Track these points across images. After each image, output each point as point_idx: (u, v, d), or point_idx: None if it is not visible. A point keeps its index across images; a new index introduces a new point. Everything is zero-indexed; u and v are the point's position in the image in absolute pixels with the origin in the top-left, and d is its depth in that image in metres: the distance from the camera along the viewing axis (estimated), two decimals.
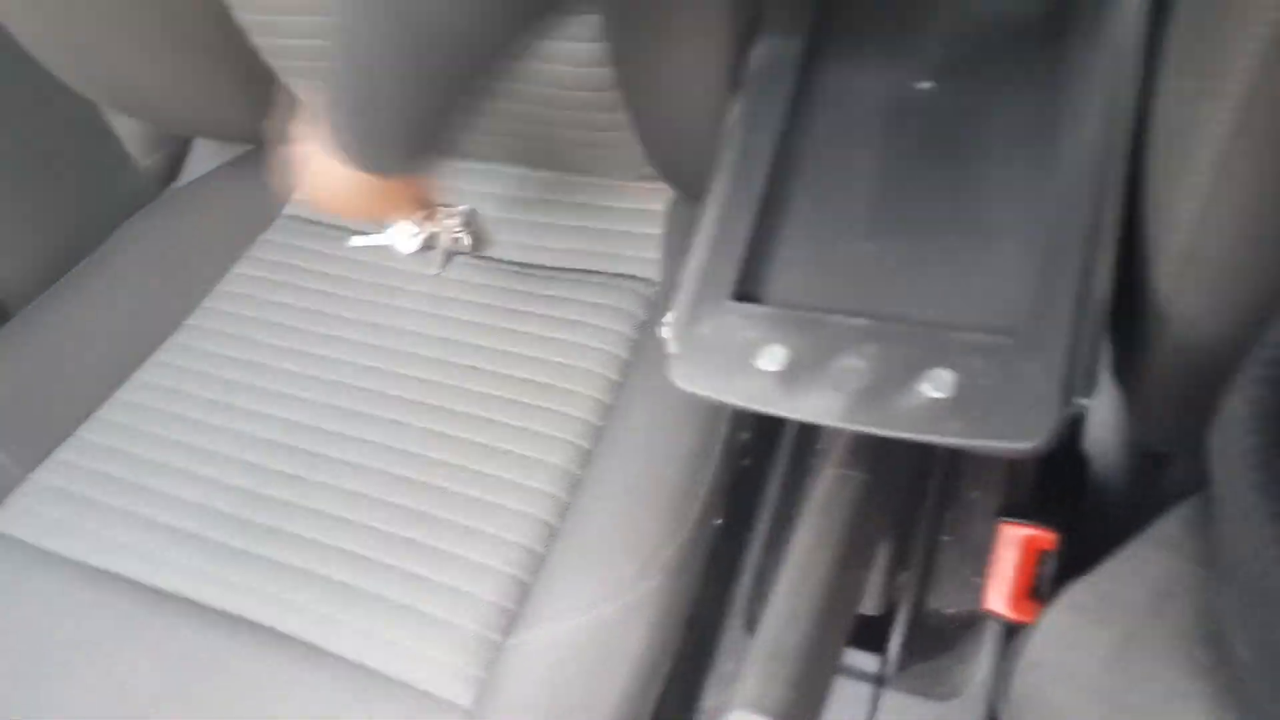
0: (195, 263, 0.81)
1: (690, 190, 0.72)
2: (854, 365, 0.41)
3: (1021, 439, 0.37)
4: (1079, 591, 0.44)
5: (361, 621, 0.59)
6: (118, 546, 0.63)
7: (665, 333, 0.45)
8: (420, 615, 0.58)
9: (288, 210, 0.85)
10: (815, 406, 0.40)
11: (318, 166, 0.55)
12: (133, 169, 0.89)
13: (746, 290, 0.45)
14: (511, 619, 0.58)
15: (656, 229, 0.75)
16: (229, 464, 0.67)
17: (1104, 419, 0.58)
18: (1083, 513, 0.63)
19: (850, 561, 0.45)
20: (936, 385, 0.39)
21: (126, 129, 0.88)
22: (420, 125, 0.47)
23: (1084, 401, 0.38)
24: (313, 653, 0.57)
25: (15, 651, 0.59)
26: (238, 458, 0.67)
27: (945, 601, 0.63)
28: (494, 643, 0.57)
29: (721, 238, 0.46)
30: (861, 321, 0.42)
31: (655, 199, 0.76)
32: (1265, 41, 0.30)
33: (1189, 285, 0.39)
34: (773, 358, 0.42)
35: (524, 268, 0.76)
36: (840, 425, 0.40)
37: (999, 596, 0.52)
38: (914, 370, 0.40)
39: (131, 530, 0.64)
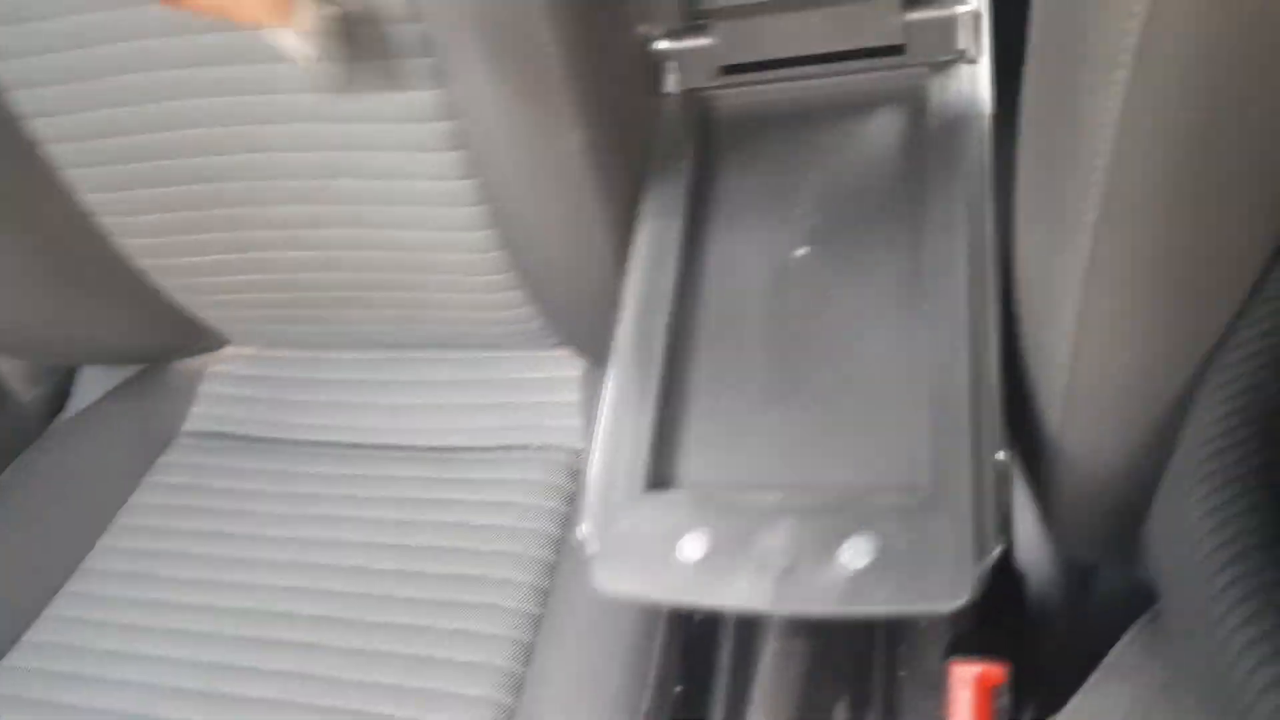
0: (88, 498, 0.76)
1: (601, 357, 0.72)
2: (774, 544, 0.41)
3: (944, 600, 0.37)
4: None
5: None
6: None
7: (582, 534, 0.44)
8: None
9: (187, 427, 0.81)
10: (741, 593, 0.41)
11: None
12: (15, 405, 0.85)
13: (658, 477, 0.45)
14: None
15: (575, 395, 0.74)
16: None
17: (1032, 533, 0.59)
18: (1026, 626, 0.62)
19: None
20: (855, 554, 0.40)
21: (5, 365, 0.84)
22: None
23: (997, 550, 0.38)
24: None
25: None
26: (145, 714, 0.62)
27: None
28: None
29: (626, 426, 0.46)
30: (776, 496, 0.42)
31: (571, 365, 0.75)
32: (1102, 197, 0.32)
33: (1075, 420, 0.40)
34: (694, 546, 0.42)
35: (443, 452, 0.74)
36: (770, 610, 0.40)
37: None
38: (832, 542, 0.41)
39: None
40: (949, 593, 0.38)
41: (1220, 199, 0.32)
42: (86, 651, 0.66)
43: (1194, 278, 0.35)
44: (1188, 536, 0.35)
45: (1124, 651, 0.43)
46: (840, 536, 0.40)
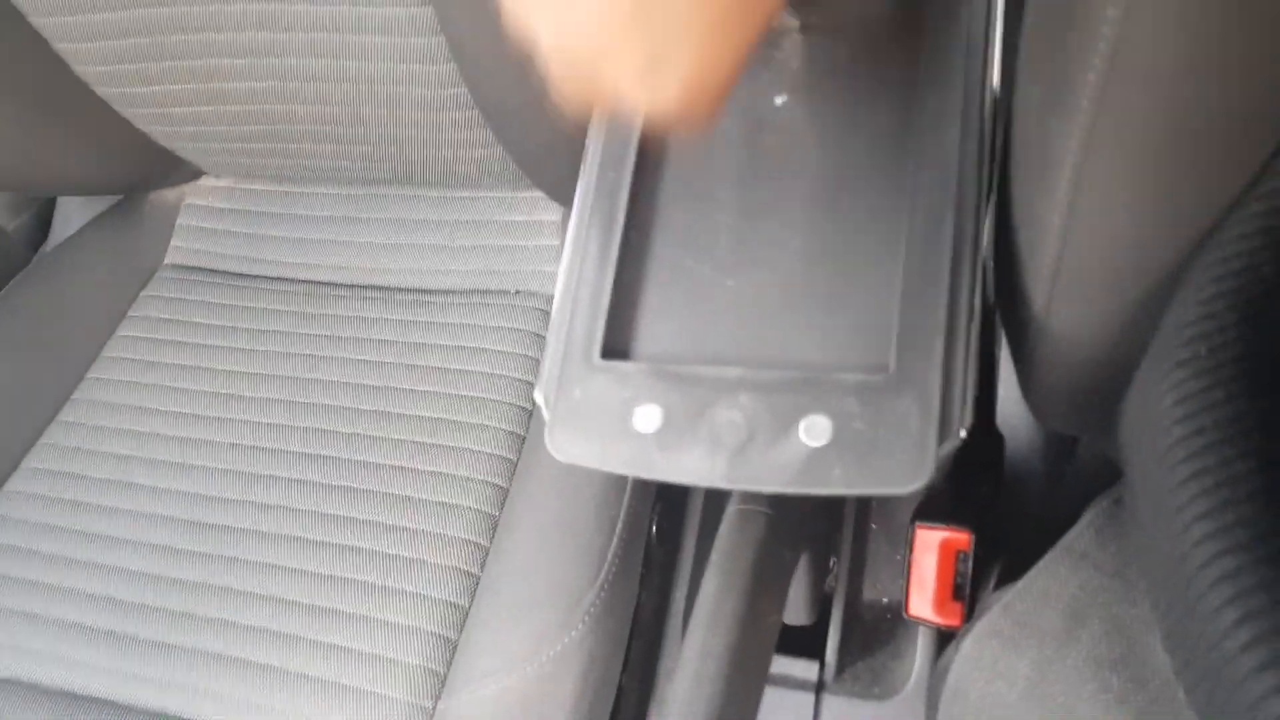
0: (75, 331, 0.77)
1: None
2: (730, 419, 0.40)
3: (902, 483, 0.36)
4: (996, 617, 0.42)
5: (290, 704, 0.57)
6: (25, 654, 0.61)
7: (538, 398, 0.43)
8: (349, 691, 0.57)
9: (168, 259, 0.80)
10: (695, 468, 0.39)
11: None
12: None
13: (614, 346, 0.43)
14: (441, 682, 0.56)
15: (554, 239, 0.72)
16: (130, 549, 0.64)
17: (1016, 398, 0.57)
18: (1001, 493, 0.62)
19: (756, 611, 0.43)
20: (813, 433, 0.38)
21: None
22: None
23: (962, 433, 0.36)
24: None
25: None
26: (138, 540, 0.64)
27: (880, 590, 0.63)
28: (425, 709, 0.56)
29: (583, 289, 0.44)
30: (734, 371, 0.40)
31: (549, 208, 0.72)
32: (1107, 54, 0.28)
33: (1062, 293, 0.38)
34: (648, 418, 0.40)
35: (421, 295, 0.73)
36: (722, 486, 0.39)
37: (922, 602, 0.51)
38: (789, 419, 0.39)
39: (39, 635, 0.61)
40: (907, 476, 0.37)
41: (1234, 66, 0.28)
42: (82, 479, 0.68)
43: (1197, 149, 0.32)
44: (1157, 421, 0.34)
45: (1081, 533, 0.42)
46: (798, 414, 0.39)
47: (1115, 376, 0.40)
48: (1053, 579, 0.41)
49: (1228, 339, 0.34)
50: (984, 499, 0.58)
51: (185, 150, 0.76)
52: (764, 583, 0.44)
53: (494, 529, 0.61)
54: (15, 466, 0.70)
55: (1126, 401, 0.41)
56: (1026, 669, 0.40)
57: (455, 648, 0.58)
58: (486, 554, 0.61)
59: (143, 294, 0.78)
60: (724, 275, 0.43)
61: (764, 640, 0.44)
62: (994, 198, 0.43)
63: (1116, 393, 0.41)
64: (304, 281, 0.76)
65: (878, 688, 0.60)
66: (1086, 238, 0.35)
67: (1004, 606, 0.42)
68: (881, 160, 0.43)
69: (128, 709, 0.58)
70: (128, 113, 0.72)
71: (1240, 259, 0.34)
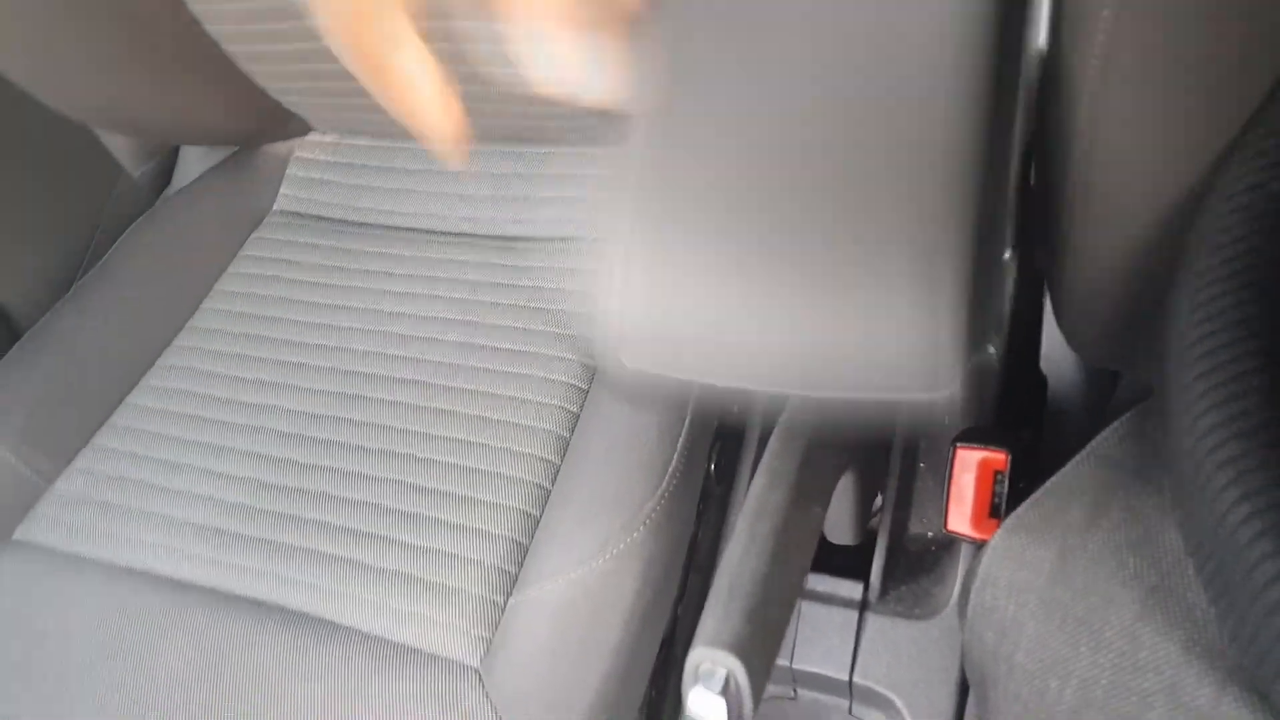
0: (194, 266, 0.84)
1: None
2: None
3: (927, 389, 0.37)
4: (1024, 512, 0.46)
5: (373, 595, 0.62)
6: (139, 546, 0.68)
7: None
8: (428, 585, 0.62)
9: (277, 206, 0.88)
10: None
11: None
12: (126, 181, 0.92)
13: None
14: (512, 580, 0.62)
15: None
16: (238, 457, 0.71)
17: (1058, 338, 0.60)
18: (1043, 430, 0.65)
19: (803, 501, 0.47)
20: None
21: (116, 143, 0.91)
22: None
23: (991, 348, 0.39)
24: (328, 628, 0.61)
25: (48, 652, 0.64)
26: (246, 450, 0.71)
27: (925, 526, 0.66)
28: (497, 604, 0.61)
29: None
30: None
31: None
32: None
33: (1086, 215, 0.41)
34: None
35: (506, 241, 0.79)
36: (751, 388, 0.41)
37: (960, 517, 0.55)
38: None
39: (151, 529, 0.68)
40: (933, 383, 0.37)
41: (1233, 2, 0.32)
42: (195, 395, 0.75)
43: (1205, 78, 0.35)
44: (1176, 328, 0.37)
45: (1107, 439, 0.46)
46: None
47: (1143, 298, 0.43)
48: (1077, 478, 0.45)
49: (1238, 250, 0.37)
50: (1025, 439, 0.61)
51: (296, 105, 0.83)
52: (808, 480, 0.48)
53: (564, 449, 0.67)
54: (136, 383, 0.78)
55: (1157, 325, 0.44)
56: (1051, 556, 0.44)
57: (526, 551, 0.63)
58: (557, 470, 0.66)
59: (253, 236, 0.85)
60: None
61: (807, 529, 0.48)
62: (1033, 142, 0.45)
63: (1146, 318, 0.44)
64: (399, 229, 0.82)
65: (919, 609, 0.64)
66: (1105, 163, 0.38)
67: (1032, 503, 0.46)
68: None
69: (227, 596, 0.64)
70: (248, 69, 0.79)
71: (1250, 176, 0.38)
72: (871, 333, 0.38)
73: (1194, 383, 0.35)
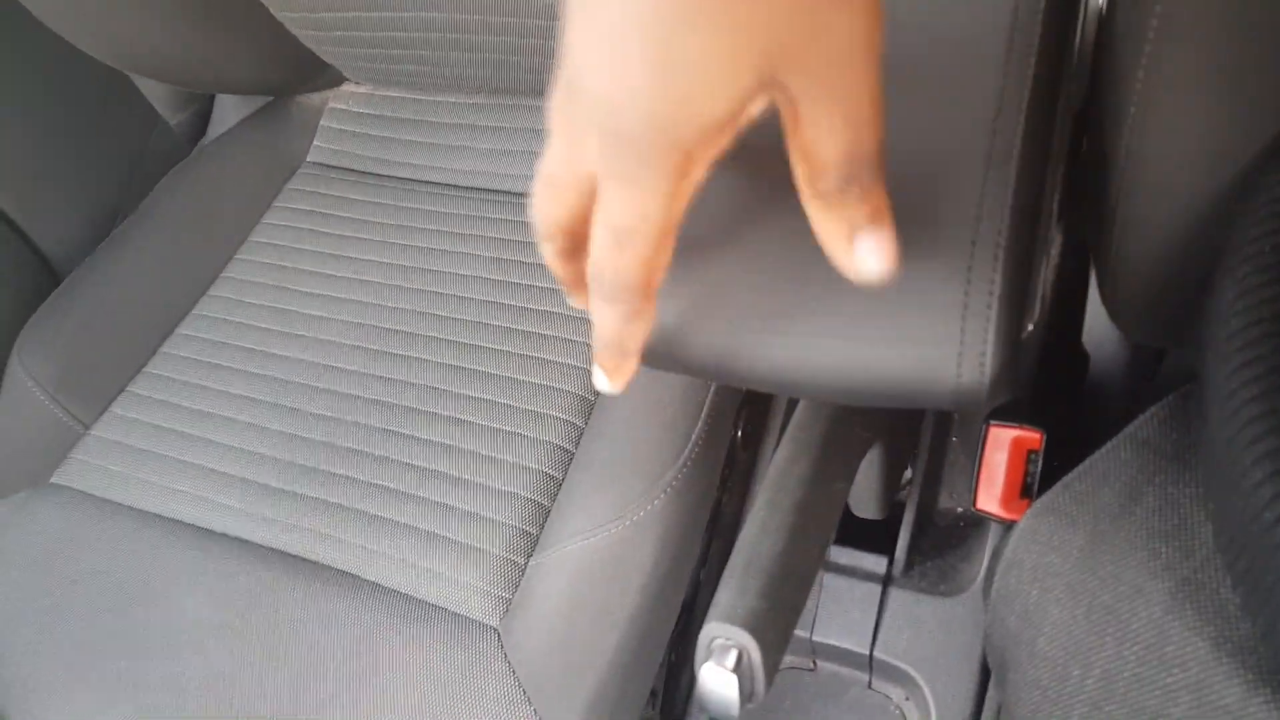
0: (228, 216, 0.84)
1: None
2: None
3: (958, 390, 0.35)
4: (1055, 494, 0.45)
5: (397, 551, 0.63)
6: (172, 494, 0.69)
7: None
8: (450, 543, 0.62)
9: (310, 157, 0.87)
10: None
11: None
12: (164, 128, 0.93)
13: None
14: (533, 541, 0.62)
15: None
16: (268, 409, 0.71)
17: (1103, 313, 0.58)
18: (1082, 407, 0.63)
19: (826, 475, 0.46)
20: None
21: (153, 91, 0.91)
22: None
23: (1030, 325, 0.37)
24: (352, 581, 0.62)
25: (80, 594, 0.65)
26: (276, 402, 0.71)
27: (955, 501, 0.65)
28: (518, 564, 0.61)
29: None
30: None
31: None
32: None
33: (1135, 187, 0.39)
34: None
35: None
36: None
37: (990, 497, 0.54)
38: None
39: (184, 478, 0.69)
40: (963, 382, 0.36)
41: None
42: (226, 346, 0.76)
43: (1261, 48, 0.33)
44: (1220, 314, 0.35)
45: (1145, 422, 0.44)
46: None
47: (1188, 277, 0.41)
48: (1113, 461, 0.43)
49: None
50: (1063, 416, 0.59)
51: (330, 55, 0.82)
52: (832, 453, 0.47)
53: (589, 412, 0.66)
54: (170, 332, 0.78)
55: (1202, 304, 0.42)
56: (1081, 541, 0.42)
57: (548, 513, 0.63)
58: (581, 433, 0.65)
59: (287, 187, 0.85)
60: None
61: (829, 504, 0.47)
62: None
63: (1192, 296, 0.42)
64: (431, 183, 0.81)
65: (944, 585, 0.63)
66: (1157, 130, 0.36)
67: (1064, 485, 0.44)
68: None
69: (255, 546, 0.65)
70: (282, 17, 0.79)
71: None
72: (899, 332, 0.36)
73: (1235, 372, 0.34)
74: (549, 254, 0.36)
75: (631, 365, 0.37)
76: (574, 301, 0.39)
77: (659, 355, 0.40)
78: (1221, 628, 0.35)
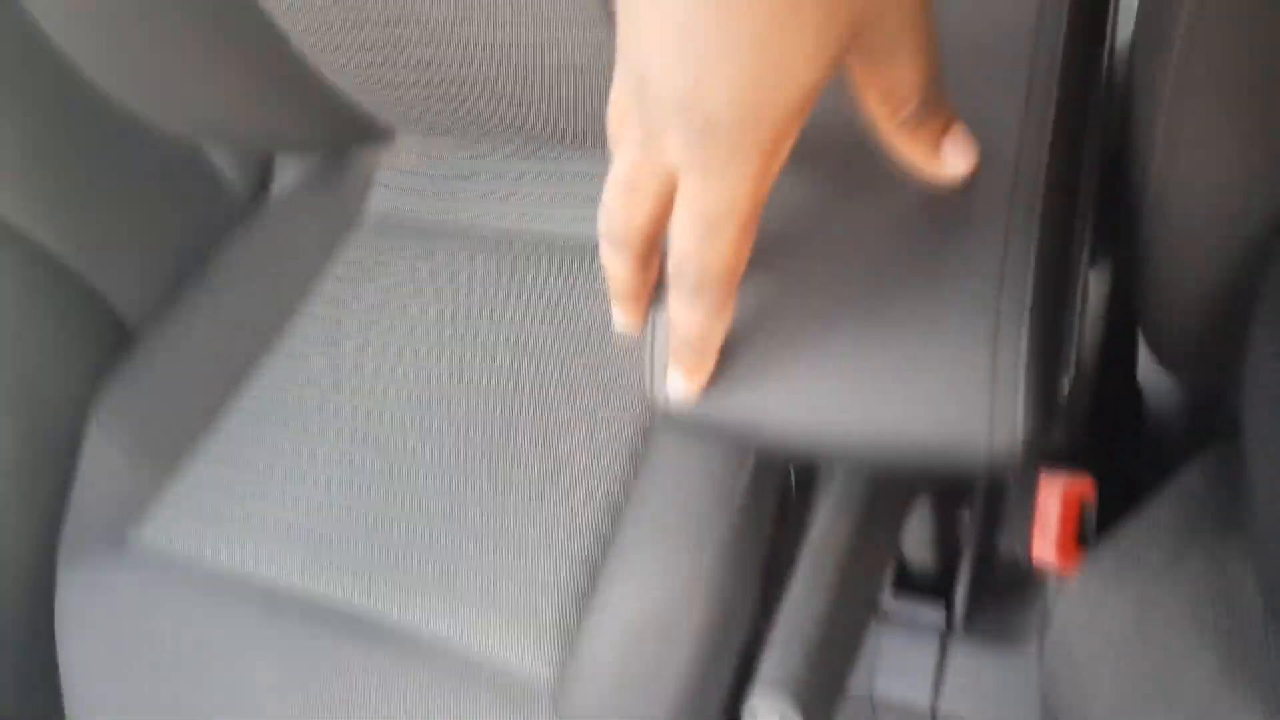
0: (291, 271, 0.87)
1: None
2: None
3: (990, 454, 0.34)
4: (1102, 553, 0.44)
5: (454, 610, 0.64)
6: (241, 550, 0.71)
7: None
8: (504, 604, 0.63)
9: (367, 214, 0.90)
10: None
11: None
12: (227, 187, 0.96)
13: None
14: (585, 601, 0.62)
15: None
16: (332, 461, 0.73)
17: None
18: (1140, 445, 0.61)
19: (873, 528, 0.46)
20: None
21: (217, 151, 0.95)
22: None
23: (1063, 388, 0.36)
24: (410, 640, 0.63)
25: (150, 659, 0.68)
26: (340, 454, 0.73)
27: (1015, 544, 0.63)
28: (570, 625, 0.61)
29: None
30: None
31: None
32: None
33: (1163, 226, 0.38)
34: None
35: (583, 241, 0.78)
36: None
37: (1046, 545, 0.53)
38: None
39: (250, 534, 0.72)
40: (995, 448, 0.34)
41: None
42: (292, 403, 0.79)
43: None
44: (1254, 366, 0.34)
45: (1191, 472, 0.43)
46: None
47: (1225, 323, 0.40)
48: (1158, 519, 0.42)
49: None
50: (1120, 454, 0.58)
51: (379, 111, 0.85)
52: (877, 507, 0.47)
53: (639, 461, 0.66)
54: (236, 390, 0.81)
55: (1238, 351, 0.41)
56: (1130, 606, 0.41)
57: (598, 573, 0.63)
58: (630, 489, 0.66)
59: (345, 243, 0.88)
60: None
61: (875, 561, 0.47)
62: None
63: (1229, 342, 0.41)
64: (483, 233, 0.83)
65: (1007, 636, 0.61)
66: (1182, 173, 0.35)
67: (1110, 543, 0.43)
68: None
69: (316, 605, 0.67)
70: (335, 78, 0.81)
71: None
72: (929, 400, 0.35)
73: (1270, 423, 0.33)
74: (623, 262, 0.36)
75: (709, 366, 0.37)
76: (624, 318, 0.39)
77: (684, 423, 0.40)
78: (1275, 704, 0.34)
